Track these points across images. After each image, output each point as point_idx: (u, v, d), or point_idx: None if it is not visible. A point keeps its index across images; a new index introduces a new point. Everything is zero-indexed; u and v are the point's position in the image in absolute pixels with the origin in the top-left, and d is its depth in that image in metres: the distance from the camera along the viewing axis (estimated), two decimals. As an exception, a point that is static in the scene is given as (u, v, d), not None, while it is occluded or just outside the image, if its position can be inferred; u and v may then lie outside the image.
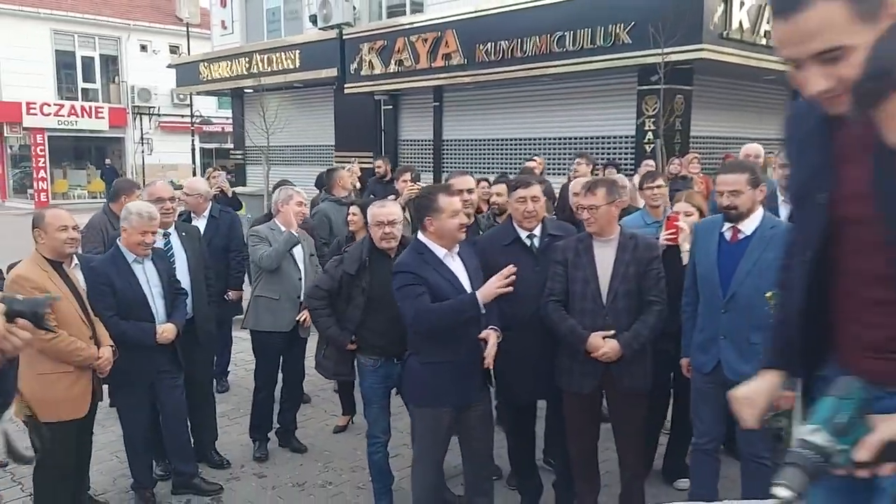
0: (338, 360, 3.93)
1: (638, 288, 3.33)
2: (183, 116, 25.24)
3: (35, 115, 24.86)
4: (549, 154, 10.71)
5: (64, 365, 3.45)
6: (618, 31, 9.15)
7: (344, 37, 12.77)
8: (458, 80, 11.18)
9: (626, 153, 10.00)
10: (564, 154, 10.58)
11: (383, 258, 3.71)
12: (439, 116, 12.49)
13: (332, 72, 13.02)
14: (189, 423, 4.35)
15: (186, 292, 4.22)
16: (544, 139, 10.98)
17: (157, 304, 3.93)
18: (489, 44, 10.54)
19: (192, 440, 4.36)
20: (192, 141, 23.00)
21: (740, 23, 8.96)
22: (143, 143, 27.07)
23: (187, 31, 22.16)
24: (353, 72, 12.65)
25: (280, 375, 4.82)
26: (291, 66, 13.92)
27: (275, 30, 15.56)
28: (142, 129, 27.29)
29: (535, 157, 8.17)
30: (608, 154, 10.09)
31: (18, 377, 1.65)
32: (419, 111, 12.89)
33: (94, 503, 4.02)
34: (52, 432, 2.72)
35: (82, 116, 26.03)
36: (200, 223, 5.55)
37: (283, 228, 4.68)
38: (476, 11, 10.71)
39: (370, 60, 12.29)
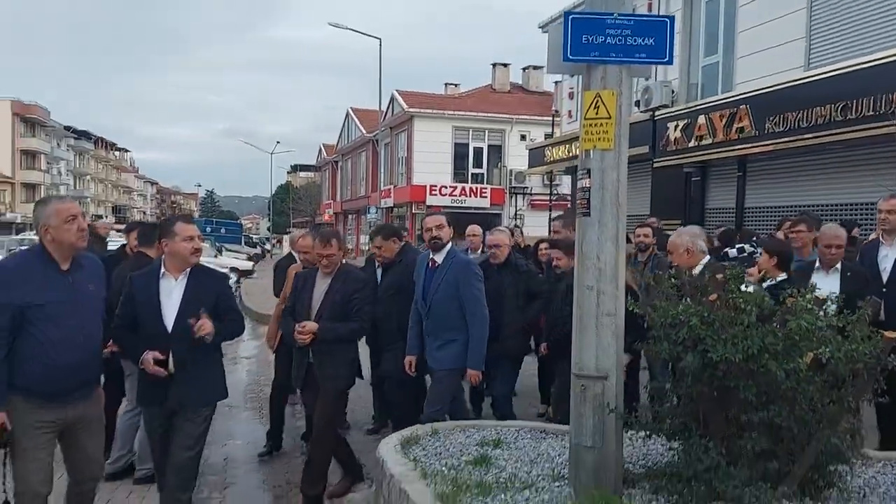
0: None
1: None
2: (550, 196, 28.80)
3: (435, 195, 30.95)
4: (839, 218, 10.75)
5: None
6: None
7: (655, 118, 14.36)
8: (750, 151, 11.93)
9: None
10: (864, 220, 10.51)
11: None
12: (742, 185, 13.17)
13: (645, 149, 14.64)
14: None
15: None
16: (834, 205, 11.03)
17: None
18: (777, 115, 11.18)
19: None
20: (549, 215, 26.18)
21: None
22: (515, 219, 31.49)
23: (552, 120, 25.71)
24: (661, 148, 14.13)
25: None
26: (614, 146, 15.88)
27: (608, 115, 17.70)
28: (516, 206, 31.78)
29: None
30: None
31: None
32: (724, 181, 13.71)
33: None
34: None
35: (470, 196, 31.50)
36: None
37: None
38: (762, 89, 11.48)
39: (675, 137, 13.66)
